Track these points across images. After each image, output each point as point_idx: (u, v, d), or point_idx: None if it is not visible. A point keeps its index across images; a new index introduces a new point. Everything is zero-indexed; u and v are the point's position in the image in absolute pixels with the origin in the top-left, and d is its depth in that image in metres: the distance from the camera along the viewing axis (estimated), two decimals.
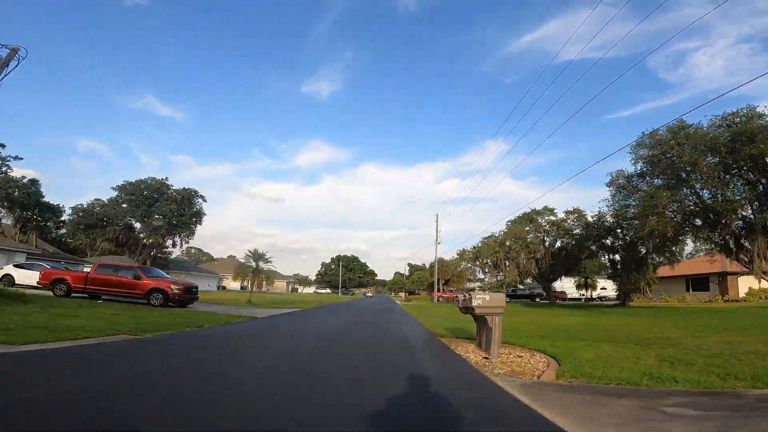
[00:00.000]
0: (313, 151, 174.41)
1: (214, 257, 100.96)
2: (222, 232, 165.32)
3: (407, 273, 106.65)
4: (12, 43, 10.76)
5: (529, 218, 33.76)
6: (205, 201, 46.64)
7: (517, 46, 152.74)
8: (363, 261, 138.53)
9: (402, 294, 57.26)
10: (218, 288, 63.43)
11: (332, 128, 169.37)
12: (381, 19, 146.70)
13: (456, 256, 50.76)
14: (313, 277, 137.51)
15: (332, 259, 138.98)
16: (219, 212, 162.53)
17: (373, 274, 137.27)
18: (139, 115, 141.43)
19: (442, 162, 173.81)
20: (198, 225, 46.49)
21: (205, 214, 46.47)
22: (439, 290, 56.23)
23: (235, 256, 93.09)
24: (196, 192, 46.36)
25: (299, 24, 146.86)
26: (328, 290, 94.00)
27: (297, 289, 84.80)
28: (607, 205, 21.72)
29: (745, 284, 28.46)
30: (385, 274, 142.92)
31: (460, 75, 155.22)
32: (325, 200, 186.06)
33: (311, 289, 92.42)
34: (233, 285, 74.56)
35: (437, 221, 45.89)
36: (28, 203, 40.54)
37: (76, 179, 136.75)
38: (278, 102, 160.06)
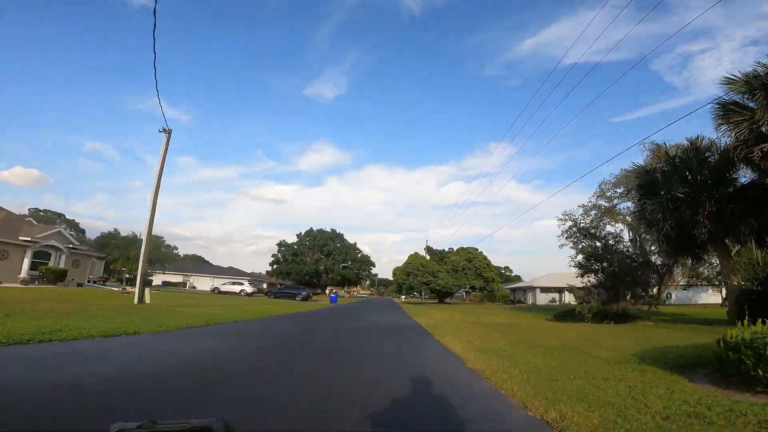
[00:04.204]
0: (317, 154, 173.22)
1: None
2: (225, 233, 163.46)
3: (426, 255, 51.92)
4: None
5: None
6: None
7: (520, 49, 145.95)
8: (352, 242, 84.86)
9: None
10: None
11: (336, 131, 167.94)
12: (385, 23, 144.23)
13: None
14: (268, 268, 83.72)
15: (298, 235, 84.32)
16: (222, 214, 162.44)
17: (368, 262, 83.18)
18: (144, 117, 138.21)
19: (446, 166, 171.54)
20: None
21: None
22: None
23: None
24: None
25: (303, 27, 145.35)
26: (245, 287, 39.02)
27: (128, 280, 29.23)
28: None
29: None
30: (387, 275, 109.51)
31: (465, 78, 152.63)
32: (328, 202, 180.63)
33: (208, 283, 37.98)
34: None
35: None
36: None
37: (82, 180, 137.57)
38: (282, 104, 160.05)
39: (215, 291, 39.51)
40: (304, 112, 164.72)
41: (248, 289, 39.42)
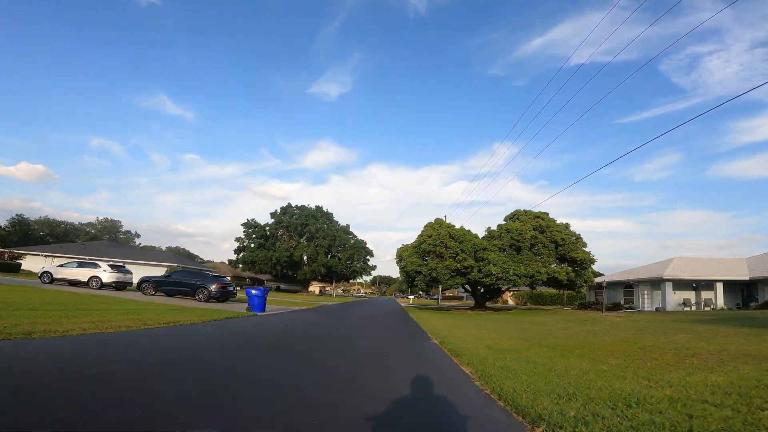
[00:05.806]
0: (321, 152, 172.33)
1: None
2: (227, 230, 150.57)
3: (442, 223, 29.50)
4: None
5: None
6: None
7: (526, 49, 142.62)
8: (344, 224, 65.41)
9: None
10: None
11: (340, 129, 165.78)
12: (390, 21, 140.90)
13: None
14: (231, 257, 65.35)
15: (273, 214, 64.62)
16: (225, 211, 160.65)
17: (364, 250, 63.55)
18: (150, 114, 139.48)
19: (449, 165, 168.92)
20: None
21: None
22: None
23: None
24: None
25: (308, 25, 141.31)
26: (98, 273, 18.64)
27: None
28: None
29: None
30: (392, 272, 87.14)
31: (470, 77, 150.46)
32: (331, 200, 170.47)
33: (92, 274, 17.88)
34: None
35: None
36: None
37: (89, 177, 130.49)
38: (287, 102, 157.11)
39: (45, 278, 20.13)
40: (309, 110, 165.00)
41: (105, 276, 19.81)
